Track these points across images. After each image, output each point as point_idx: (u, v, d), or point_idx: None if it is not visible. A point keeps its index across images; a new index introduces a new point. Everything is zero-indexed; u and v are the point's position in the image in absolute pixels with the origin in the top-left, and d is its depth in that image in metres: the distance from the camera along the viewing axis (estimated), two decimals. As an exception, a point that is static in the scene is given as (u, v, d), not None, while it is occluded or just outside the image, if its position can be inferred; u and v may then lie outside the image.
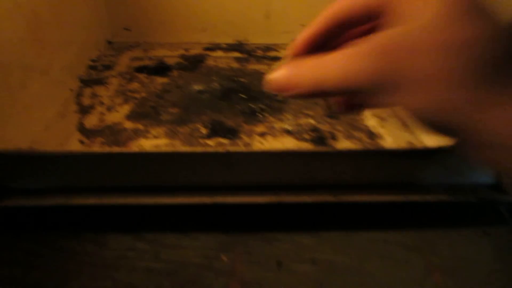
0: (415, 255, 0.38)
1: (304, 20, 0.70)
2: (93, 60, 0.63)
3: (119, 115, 0.50)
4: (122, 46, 0.70)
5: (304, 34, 0.25)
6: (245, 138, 0.45)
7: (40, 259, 0.36)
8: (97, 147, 0.43)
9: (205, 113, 0.50)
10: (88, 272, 0.35)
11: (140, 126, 0.47)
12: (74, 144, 0.43)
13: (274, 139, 0.46)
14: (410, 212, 0.42)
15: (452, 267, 0.37)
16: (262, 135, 0.46)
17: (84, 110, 0.49)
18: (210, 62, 0.66)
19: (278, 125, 0.48)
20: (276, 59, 0.68)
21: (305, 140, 0.46)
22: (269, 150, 0.41)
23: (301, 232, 0.39)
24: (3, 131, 0.37)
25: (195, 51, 0.69)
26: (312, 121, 0.49)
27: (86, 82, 0.56)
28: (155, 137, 0.45)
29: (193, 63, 0.65)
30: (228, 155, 0.38)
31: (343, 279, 0.35)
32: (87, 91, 0.54)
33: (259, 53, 0.69)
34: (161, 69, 0.63)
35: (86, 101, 0.51)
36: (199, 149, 0.41)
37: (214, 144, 0.44)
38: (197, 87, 0.57)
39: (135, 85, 0.58)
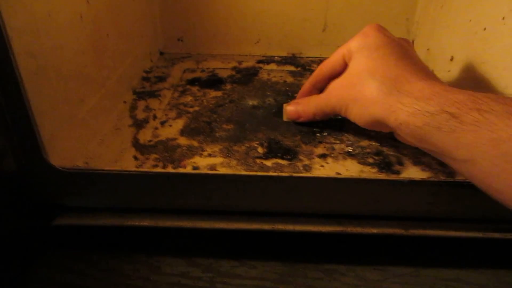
0: (493, 298, 0.34)
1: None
2: (146, 71, 0.63)
3: (172, 130, 0.48)
4: (174, 57, 0.69)
5: (304, 86, 0.48)
6: (305, 160, 0.43)
7: (91, 280, 0.35)
8: (151, 164, 0.41)
9: (261, 131, 0.48)
10: (141, 299, 0.33)
11: (195, 143, 0.46)
12: (129, 160, 0.42)
13: (335, 161, 0.43)
14: (488, 250, 0.38)
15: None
16: (322, 157, 0.43)
17: (138, 124, 0.48)
18: (263, 75, 0.64)
19: (338, 146, 0.45)
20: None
21: (369, 164, 0.42)
22: (334, 176, 0.38)
23: (365, 266, 0.37)
24: (60, 148, 0.36)
25: (248, 63, 0.68)
26: (375, 143, 0.46)
27: (140, 94, 0.55)
28: (210, 155, 0.43)
29: (246, 76, 0.63)
30: (290, 180, 0.35)
31: (415, 323, 0.32)
32: (141, 103, 0.53)
33: (314, 67, 0.67)
34: (213, 81, 0.62)
35: (140, 115, 0.50)
36: (259, 172, 0.39)
37: (272, 165, 0.42)
38: (251, 102, 0.55)
39: (188, 98, 0.56)
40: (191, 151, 0.44)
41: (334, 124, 0.50)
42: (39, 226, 0.36)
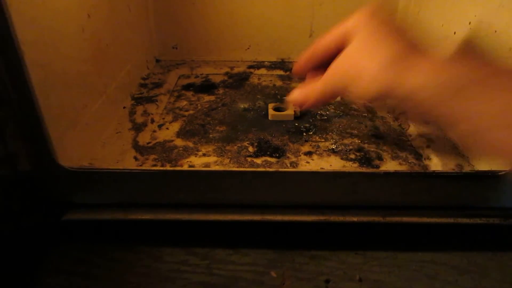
0: (464, 277, 0.38)
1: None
2: (143, 78, 0.66)
3: (169, 132, 0.52)
4: (170, 64, 0.73)
5: (301, 57, 0.43)
6: (292, 157, 0.46)
7: (98, 269, 0.38)
8: (150, 164, 0.45)
9: (251, 132, 0.52)
10: (145, 283, 0.36)
11: (190, 144, 0.49)
12: (129, 161, 0.45)
13: (320, 158, 0.46)
14: (460, 235, 0.42)
15: (503, 291, 0.36)
16: (308, 154, 0.47)
17: (137, 128, 0.52)
18: (254, 80, 0.68)
19: (323, 144, 0.49)
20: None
21: (351, 160, 0.46)
22: (317, 170, 0.42)
23: (347, 251, 0.40)
24: (68, 150, 0.39)
25: (240, 69, 0.71)
26: (357, 141, 0.50)
27: (138, 100, 0.59)
28: (205, 155, 0.47)
29: (237, 81, 0.67)
30: (277, 175, 0.39)
31: (392, 300, 0.35)
32: (139, 108, 0.56)
33: (302, 70, 0.70)
34: (207, 86, 0.65)
35: (139, 119, 0.54)
36: (249, 169, 0.43)
37: (262, 163, 0.45)
38: (243, 105, 0.59)
39: (183, 103, 0.60)
40: (187, 151, 0.48)
41: (320, 124, 0.54)
42: (51, 221, 0.39)
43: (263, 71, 0.71)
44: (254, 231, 0.41)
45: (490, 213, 0.40)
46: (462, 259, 0.40)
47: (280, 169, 0.41)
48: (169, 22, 0.72)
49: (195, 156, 0.47)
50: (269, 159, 0.46)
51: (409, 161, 0.46)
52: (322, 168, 0.44)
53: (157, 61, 0.74)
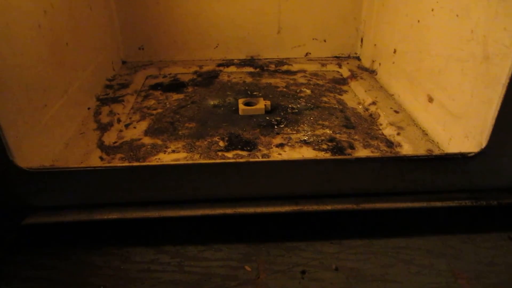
0: (439, 260, 0.37)
1: (315, 34, 0.71)
2: (109, 80, 0.64)
3: (137, 131, 0.50)
4: (136, 65, 0.71)
5: None
6: (263, 150, 0.46)
7: (63, 274, 0.36)
8: (117, 162, 0.43)
9: (222, 127, 0.51)
10: (111, 285, 0.35)
11: (159, 141, 0.48)
12: (94, 161, 0.44)
13: (292, 150, 0.46)
14: (433, 218, 0.42)
15: (478, 272, 0.36)
16: (280, 146, 0.46)
17: (103, 128, 0.50)
18: (223, 77, 0.67)
19: (295, 136, 0.48)
20: (289, 72, 0.68)
21: (323, 150, 0.46)
22: (288, 159, 0.41)
23: (323, 241, 0.39)
24: (26, 150, 0.37)
25: (209, 67, 0.70)
26: (328, 131, 0.49)
27: (103, 101, 0.57)
28: (174, 151, 0.46)
29: (207, 79, 0.66)
30: (247, 166, 0.38)
31: (368, 286, 0.35)
32: (105, 109, 0.55)
33: (272, 67, 0.70)
34: (175, 85, 0.64)
35: (104, 119, 0.52)
36: (218, 160, 0.42)
37: (233, 156, 0.44)
38: (212, 102, 0.58)
39: (151, 102, 0.58)
40: (155, 149, 0.46)
41: (291, 117, 0.53)
42: (9, 227, 0.37)
43: (232, 68, 0.70)
44: (226, 226, 0.40)
45: (462, 196, 0.40)
46: (437, 243, 0.39)
47: (250, 159, 0.40)
48: (134, 23, 0.71)
49: (164, 153, 0.45)
50: (240, 152, 0.45)
51: (381, 149, 0.46)
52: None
53: (124, 62, 0.72)
